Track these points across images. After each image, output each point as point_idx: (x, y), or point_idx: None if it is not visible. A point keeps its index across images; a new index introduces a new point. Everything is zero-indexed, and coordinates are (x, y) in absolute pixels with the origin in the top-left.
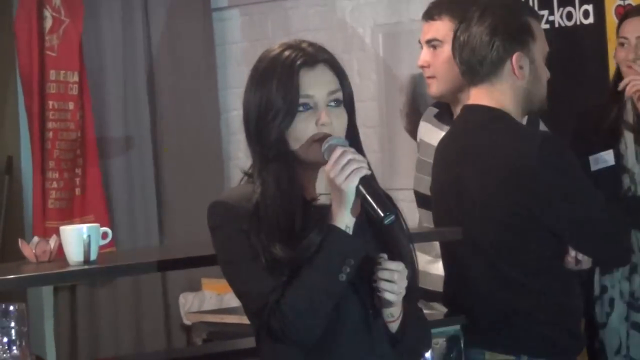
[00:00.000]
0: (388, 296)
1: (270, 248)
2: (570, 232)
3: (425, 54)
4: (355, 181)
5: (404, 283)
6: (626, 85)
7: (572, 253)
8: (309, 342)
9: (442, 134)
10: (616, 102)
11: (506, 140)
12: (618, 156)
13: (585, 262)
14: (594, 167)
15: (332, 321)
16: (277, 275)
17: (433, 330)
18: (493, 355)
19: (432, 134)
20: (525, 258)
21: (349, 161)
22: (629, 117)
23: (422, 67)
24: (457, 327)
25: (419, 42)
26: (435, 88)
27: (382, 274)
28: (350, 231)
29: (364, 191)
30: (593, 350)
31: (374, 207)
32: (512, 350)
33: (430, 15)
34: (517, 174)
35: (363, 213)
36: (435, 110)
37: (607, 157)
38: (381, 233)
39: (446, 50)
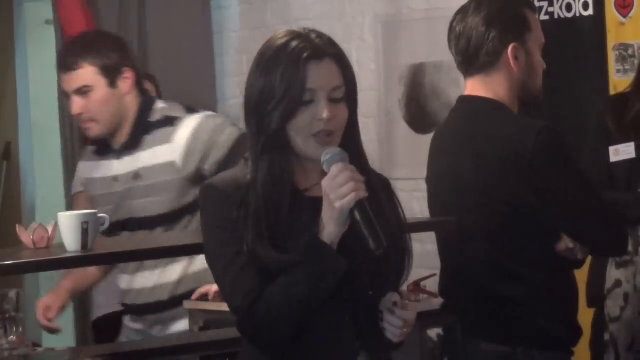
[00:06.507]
0: (391, 337)
1: (255, 245)
2: (565, 222)
3: (77, 103)
4: (351, 203)
5: (410, 330)
6: None
7: (567, 242)
8: (280, 346)
9: (108, 164)
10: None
11: (503, 131)
12: (639, 149)
13: (580, 251)
14: (613, 159)
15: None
16: (256, 273)
17: (430, 322)
18: (489, 347)
19: (100, 168)
20: (521, 249)
21: (348, 180)
22: None
23: (79, 115)
24: (454, 318)
25: (66, 92)
26: (98, 130)
27: (392, 321)
28: (335, 246)
29: (358, 217)
30: (599, 344)
31: (365, 236)
32: (508, 342)
33: (68, 66)
34: (513, 164)
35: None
36: (94, 148)
37: (628, 150)
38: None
39: (99, 91)
